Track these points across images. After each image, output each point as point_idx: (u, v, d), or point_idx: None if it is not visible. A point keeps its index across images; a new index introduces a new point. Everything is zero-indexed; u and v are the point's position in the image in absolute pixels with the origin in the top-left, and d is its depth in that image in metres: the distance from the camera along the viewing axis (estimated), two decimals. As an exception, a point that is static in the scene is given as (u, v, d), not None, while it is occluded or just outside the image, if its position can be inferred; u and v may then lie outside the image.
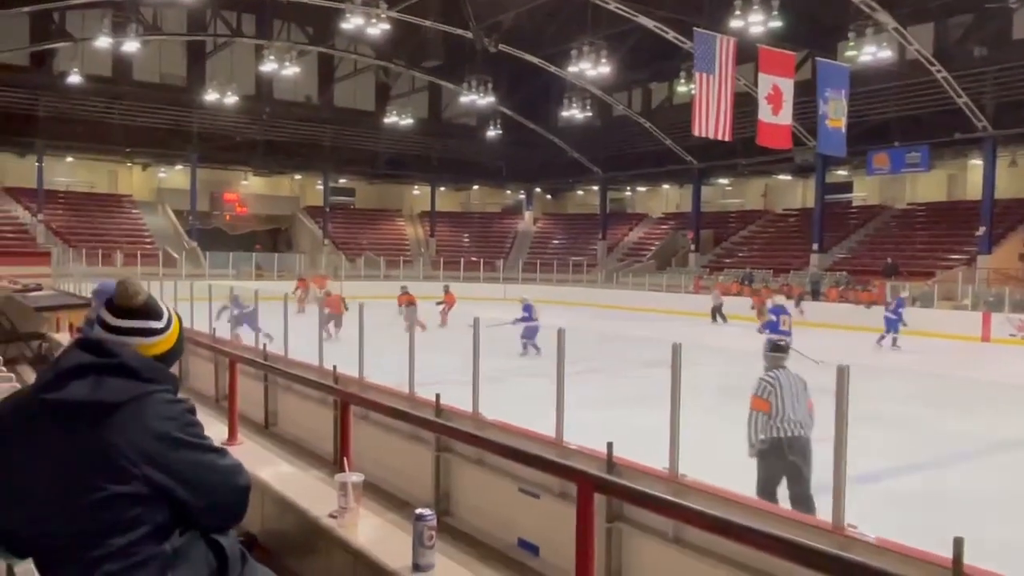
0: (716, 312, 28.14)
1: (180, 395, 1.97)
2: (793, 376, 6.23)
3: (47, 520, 1.77)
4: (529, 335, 16.43)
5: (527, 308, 17.38)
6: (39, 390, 1.84)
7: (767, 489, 5.94)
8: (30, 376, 7.23)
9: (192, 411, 1.94)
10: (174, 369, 2.06)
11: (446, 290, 25.06)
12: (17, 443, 1.81)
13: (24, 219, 36.73)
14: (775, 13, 23.13)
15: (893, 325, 20.99)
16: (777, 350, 6.51)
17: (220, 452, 1.96)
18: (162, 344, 1.98)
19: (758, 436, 6.07)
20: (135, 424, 1.79)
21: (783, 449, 5.90)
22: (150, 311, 1.98)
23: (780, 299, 17.05)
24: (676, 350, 4.76)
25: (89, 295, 3.94)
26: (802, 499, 5.85)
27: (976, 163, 31.57)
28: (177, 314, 2.09)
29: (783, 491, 6.09)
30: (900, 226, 35.33)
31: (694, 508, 2.08)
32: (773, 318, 15.64)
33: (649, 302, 31.64)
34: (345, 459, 3.06)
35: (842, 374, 3.72)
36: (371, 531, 2.62)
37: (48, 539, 1.79)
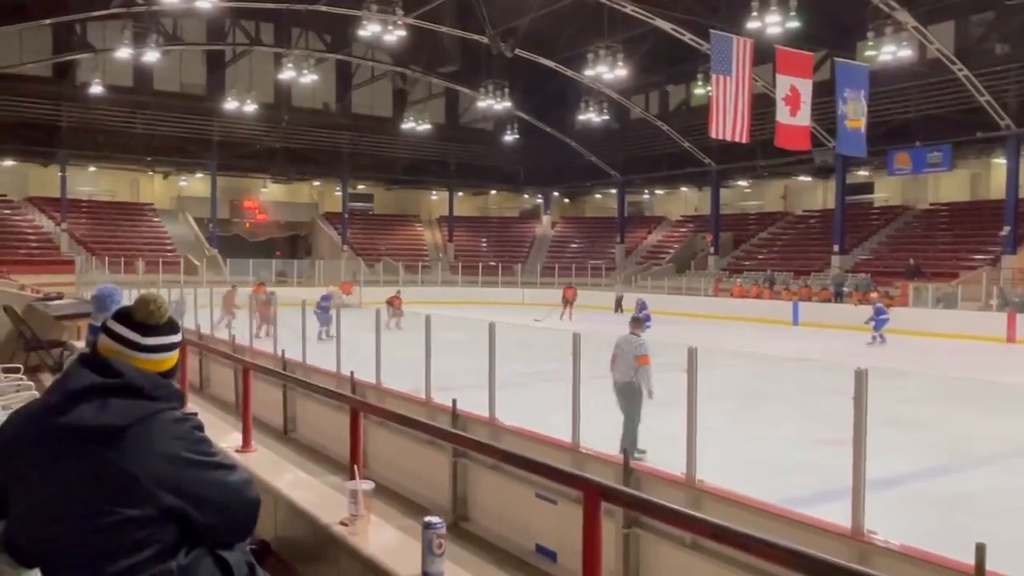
0: (619, 303, 32.80)
1: (187, 411, 1.96)
2: (629, 338, 8.57)
3: (56, 539, 1.77)
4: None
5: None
6: (48, 412, 1.84)
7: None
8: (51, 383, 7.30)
9: (200, 427, 1.92)
10: (194, 377, 2.06)
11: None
12: (27, 463, 1.80)
13: (48, 228, 37.20)
14: (792, 13, 22.96)
15: None
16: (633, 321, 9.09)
17: (229, 468, 1.94)
18: (176, 357, 1.99)
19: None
20: (143, 446, 1.77)
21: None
22: (174, 326, 1.99)
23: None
24: (692, 354, 4.72)
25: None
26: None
27: (999, 162, 31.16)
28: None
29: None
30: (923, 227, 34.94)
31: (702, 518, 2.05)
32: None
33: (668, 305, 31.47)
34: (355, 466, 3.05)
35: (860, 378, 3.67)
36: (382, 538, 2.61)
37: (56, 556, 1.79)
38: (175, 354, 1.98)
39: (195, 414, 1.98)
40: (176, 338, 1.98)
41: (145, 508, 1.74)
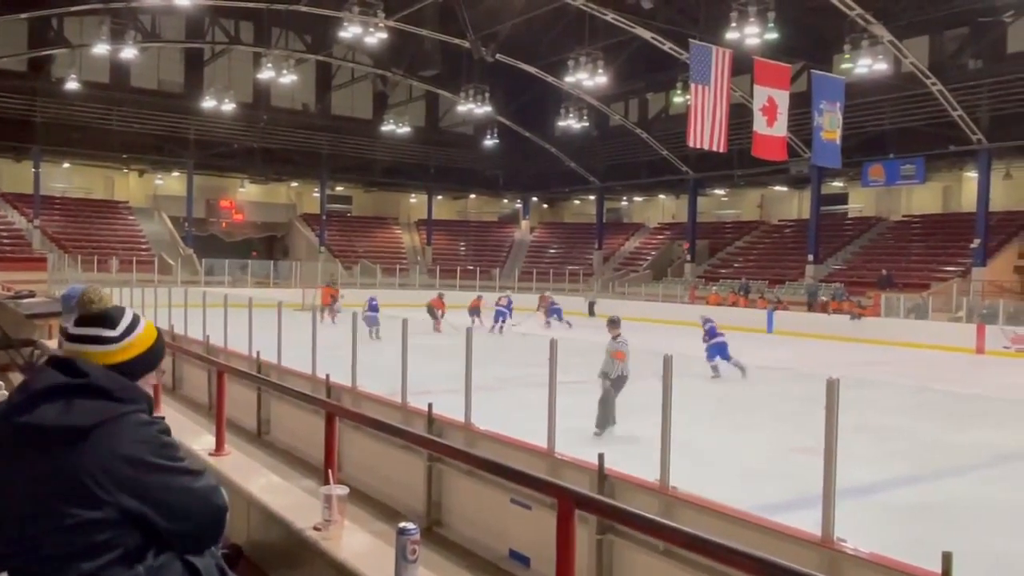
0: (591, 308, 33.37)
1: (155, 415, 1.93)
2: (614, 340, 10.05)
3: (17, 542, 1.74)
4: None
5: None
6: (10, 412, 1.81)
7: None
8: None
9: (166, 431, 1.88)
10: (167, 377, 2.02)
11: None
12: None
13: (20, 225, 36.66)
14: (771, 25, 23.20)
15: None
16: (611, 323, 10.52)
17: (196, 474, 1.90)
18: (118, 354, 1.90)
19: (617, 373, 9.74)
20: (106, 448, 1.74)
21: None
22: (105, 319, 1.93)
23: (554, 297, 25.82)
24: (667, 362, 4.76)
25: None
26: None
27: (971, 175, 31.68)
28: (155, 329, 2.02)
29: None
30: (895, 237, 35.41)
31: (675, 527, 2.07)
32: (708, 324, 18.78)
33: (645, 312, 31.62)
34: (330, 471, 3.04)
35: (831, 387, 3.72)
36: (355, 544, 2.60)
37: (19, 559, 1.76)
38: (110, 350, 1.89)
39: (162, 418, 1.95)
40: (105, 331, 1.90)
41: (106, 511, 1.72)
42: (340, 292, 28.76)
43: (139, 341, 1.96)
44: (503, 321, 25.76)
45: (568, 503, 2.06)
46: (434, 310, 25.42)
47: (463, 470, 5.38)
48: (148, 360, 1.98)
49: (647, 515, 2.09)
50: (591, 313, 32.95)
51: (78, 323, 1.92)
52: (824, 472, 3.81)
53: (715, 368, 15.93)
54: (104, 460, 1.74)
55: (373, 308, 21.40)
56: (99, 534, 1.72)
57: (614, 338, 10.00)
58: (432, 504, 5.62)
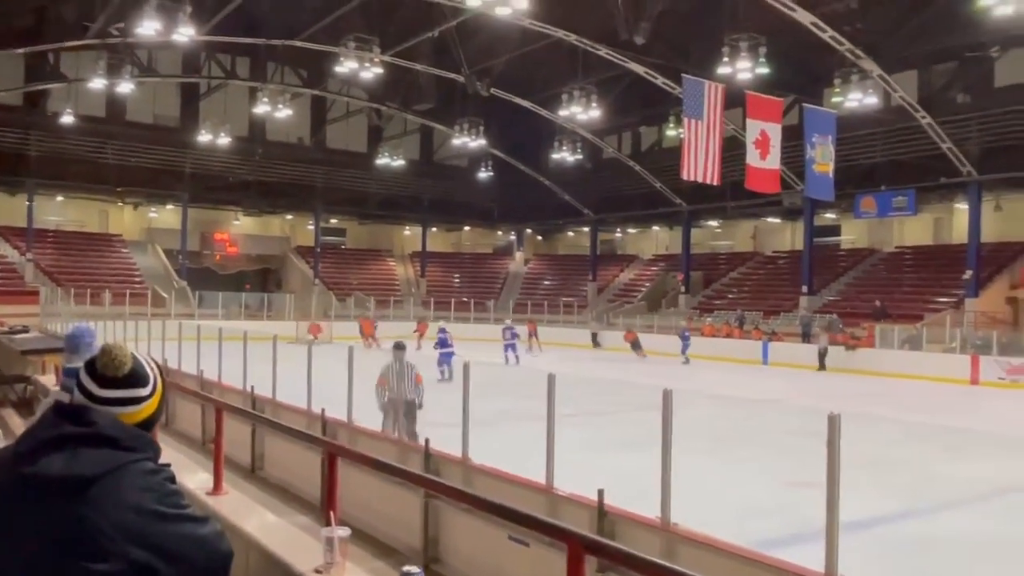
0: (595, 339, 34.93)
1: (162, 462, 1.90)
2: (404, 363, 9.98)
3: None
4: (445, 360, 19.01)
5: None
6: (15, 462, 1.79)
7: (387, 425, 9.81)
8: (14, 420, 7.12)
9: (172, 479, 1.86)
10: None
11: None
12: None
13: (13, 258, 36.55)
14: (762, 60, 23.49)
15: None
16: (397, 348, 10.38)
17: (201, 521, 1.87)
18: (148, 409, 1.91)
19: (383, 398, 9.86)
20: (113, 498, 1.71)
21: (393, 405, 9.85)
22: (137, 379, 1.89)
23: (442, 323, 26.01)
24: (667, 396, 4.75)
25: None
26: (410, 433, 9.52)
27: (961, 207, 31.92)
28: (159, 370, 2.01)
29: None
30: (888, 269, 35.57)
31: (684, 573, 2.04)
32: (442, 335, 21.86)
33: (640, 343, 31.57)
34: (332, 513, 3.00)
35: (833, 423, 3.71)
36: (357, 587, 2.56)
37: None
38: (144, 407, 1.89)
39: (168, 465, 1.93)
40: (141, 391, 1.88)
41: (113, 562, 1.69)
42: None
43: (160, 392, 1.94)
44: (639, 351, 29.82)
45: (578, 548, 2.04)
46: (636, 343, 30.28)
47: (461, 507, 5.33)
48: (163, 408, 1.97)
49: (661, 562, 2.06)
50: (596, 344, 33.08)
51: (107, 384, 1.87)
52: (827, 507, 3.79)
53: (442, 372, 18.33)
54: (110, 510, 1.71)
55: (445, 344, 21.13)
56: None
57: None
58: (429, 541, 5.55)
